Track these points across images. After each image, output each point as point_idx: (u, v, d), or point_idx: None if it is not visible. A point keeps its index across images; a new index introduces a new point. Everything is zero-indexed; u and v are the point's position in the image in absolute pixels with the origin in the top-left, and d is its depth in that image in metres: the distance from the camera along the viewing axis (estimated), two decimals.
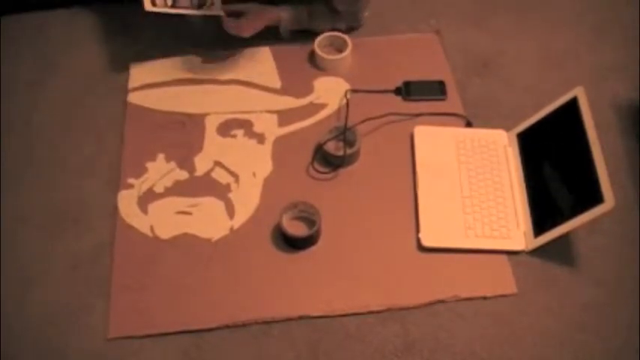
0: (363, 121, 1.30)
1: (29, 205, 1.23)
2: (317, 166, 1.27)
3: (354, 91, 1.38)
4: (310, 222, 1.16)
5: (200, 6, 1.37)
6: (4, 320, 1.08)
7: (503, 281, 1.11)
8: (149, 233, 1.18)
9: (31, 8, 1.56)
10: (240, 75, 1.42)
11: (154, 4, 1.33)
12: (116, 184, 1.25)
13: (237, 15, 1.36)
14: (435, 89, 1.38)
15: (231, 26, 1.35)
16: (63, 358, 1.05)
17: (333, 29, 1.44)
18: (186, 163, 1.28)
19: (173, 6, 1.35)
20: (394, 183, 1.24)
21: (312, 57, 1.44)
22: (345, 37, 1.42)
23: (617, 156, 1.26)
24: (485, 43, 1.49)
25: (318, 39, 1.41)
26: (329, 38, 1.43)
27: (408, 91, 1.38)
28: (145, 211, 1.21)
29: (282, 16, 1.40)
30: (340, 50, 1.42)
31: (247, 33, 1.36)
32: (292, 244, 1.15)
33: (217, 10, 1.36)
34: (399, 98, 1.37)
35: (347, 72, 1.42)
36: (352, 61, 1.43)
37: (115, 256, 1.15)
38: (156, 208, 1.21)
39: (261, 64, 1.43)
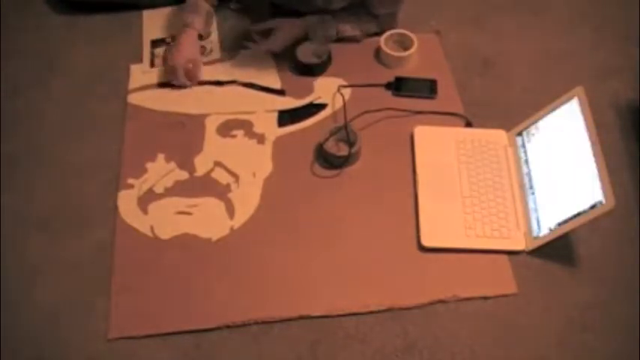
0: (362, 114, 1.31)
1: (29, 205, 1.23)
2: (317, 166, 1.27)
3: (345, 86, 1.38)
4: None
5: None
6: (4, 320, 1.08)
7: (503, 281, 1.11)
8: (149, 233, 1.18)
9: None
10: (240, 75, 1.42)
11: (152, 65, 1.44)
12: (116, 184, 1.25)
13: (266, 33, 1.41)
14: (426, 87, 1.38)
15: (262, 44, 1.40)
16: (63, 358, 1.05)
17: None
18: (186, 164, 1.28)
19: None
20: (394, 183, 1.24)
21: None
22: (412, 35, 1.42)
23: (617, 156, 1.26)
24: (485, 43, 1.49)
25: (384, 37, 1.42)
26: (393, 36, 1.44)
27: (398, 86, 1.38)
28: (145, 211, 1.21)
29: (310, 27, 1.41)
30: (406, 48, 1.42)
31: (278, 49, 1.41)
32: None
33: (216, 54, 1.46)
34: (388, 93, 1.38)
35: (412, 68, 1.42)
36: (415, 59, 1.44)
37: (115, 257, 1.15)
38: (156, 209, 1.21)
39: (261, 64, 1.43)
